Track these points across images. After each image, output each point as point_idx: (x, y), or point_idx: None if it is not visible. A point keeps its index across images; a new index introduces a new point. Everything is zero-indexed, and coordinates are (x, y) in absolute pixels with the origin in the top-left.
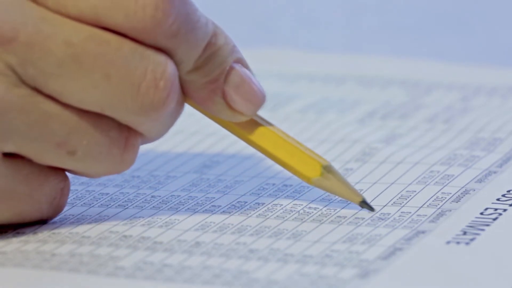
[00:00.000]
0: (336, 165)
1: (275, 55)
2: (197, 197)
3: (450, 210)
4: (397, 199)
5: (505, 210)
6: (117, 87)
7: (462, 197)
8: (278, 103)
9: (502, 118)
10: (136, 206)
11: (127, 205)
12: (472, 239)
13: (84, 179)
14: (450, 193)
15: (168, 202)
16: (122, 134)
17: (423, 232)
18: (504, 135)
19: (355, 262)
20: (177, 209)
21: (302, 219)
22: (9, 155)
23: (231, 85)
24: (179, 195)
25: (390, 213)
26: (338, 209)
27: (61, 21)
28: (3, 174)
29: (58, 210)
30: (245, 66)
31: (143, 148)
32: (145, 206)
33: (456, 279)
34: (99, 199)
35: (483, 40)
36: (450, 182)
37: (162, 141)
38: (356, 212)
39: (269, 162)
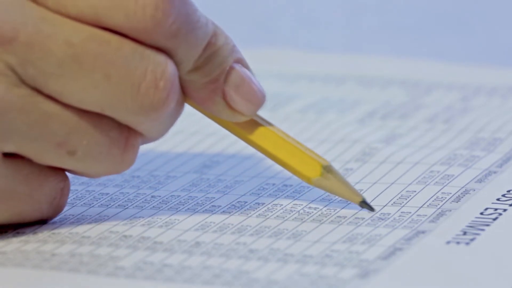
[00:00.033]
0: (336, 165)
1: (275, 55)
2: (197, 197)
3: (450, 210)
4: (397, 199)
5: (505, 210)
6: (117, 87)
7: (462, 197)
8: (278, 103)
9: (502, 118)
10: (136, 206)
11: (127, 205)
12: (472, 239)
13: (84, 179)
14: (450, 193)
15: (168, 202)
16: (122, 134)
17: (423, 232)
18: (504, 135)
19: (355, 262)
20: (177, 209)
21: (302, 219)
22: (9, 155)
23: (231, 85)
24: (179, 195)
25: (390, 213)
26: (338, 209)
27: (61, 21)
28: (3, 174)
29: (58, 210)
30: (245, 66)
31: (143, 148)
32: (145, 206)
33: (456, 279)
34: (99, 199)
35: (483, 40)
36: (450, 182)
37: (162, 141)
38: (356, 212)
39: (269, 162)
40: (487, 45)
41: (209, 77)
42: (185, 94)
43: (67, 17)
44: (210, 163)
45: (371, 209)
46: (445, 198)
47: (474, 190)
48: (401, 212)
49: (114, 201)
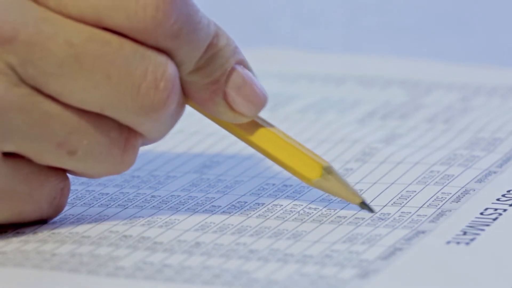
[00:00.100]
0: (336, 165)
1: (275, 55)
2: (197, 197)
3: (450, 210)
4: (397, 199)
5: (505, 210)
6: (117, 87)
7: (462, 197)
8: (278, 103)
9: (502, 118)
10: (136, 206)
11: (127, 205)
12: (472, 239)
13: (84, 179)
14: (450, 193)
15: (168, 202)
16: (122, 135)
17: (423, 232)
18: (504, 135)
19: (355, 262)
20: (177, 209)
21: (302, 220)
22: (9, 155)
23: (232, 86)
24: (179, 195)
25: (390, 213)
26: (338, 209)
27: (62, 21)
28: (3, 174)
29: (58, 210)
30: (247, 67)
31: (143, 148)
32: (145, 206)
33: (456, 279)
34: (99, 199)
35: (483, 40)
36: (450, 182)
37: (162, 141)
38: (356, 212)
39: (269, 162)
40: (487, 45)
41: (210, 78)
42: (186, 95)
43: (67, 17)
44: (210, 163)
45: (370, 210)
46: (445, 198)
47: (474, 190)
48: (401, 212)
49: (114, 201)
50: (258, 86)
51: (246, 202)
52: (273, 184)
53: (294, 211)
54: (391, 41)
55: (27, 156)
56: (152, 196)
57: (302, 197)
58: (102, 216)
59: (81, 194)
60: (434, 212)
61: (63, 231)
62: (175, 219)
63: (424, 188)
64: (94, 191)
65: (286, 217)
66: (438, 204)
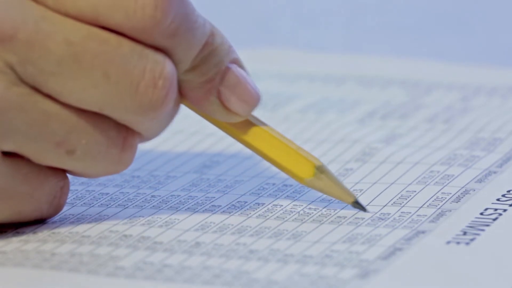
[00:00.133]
0: (336, 165)
1: (275, 55)
2: (197, 197)
3: (450, 210)
4: (397, 199)
5: (505, 210)
6: (116, 86)
7: (462, 197)
8: (278, 103)
9: (502, 118)
10: (136, 205)
11: (127, 204)
12: (472, 239)
13: (84, 179)
14: (450, 193)
15: (168, 201)
16: (121, 134)
17: (423, 232)
18: (504, 135)
19: (355, 262)
20: (177, 208)
21: (302, 220)
22: (8, 154)
23: (226, 85)
24: (179, 195)
25: (390, 213)
26: (338, 210)
27: (61, 20)
28: (2, 173)
29: (58, 209)
30: (241, 66)
31: (143, 148)
32: (145, 205)
33: (456, 279)
34: (99, 199)
35: (483, 40)
36: (450, 182)
37: (162, 141)
38: (356, 212)
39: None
40: (487, 45)
41: (205, 77)
42: (180, 94)
43: (66, 16)
44: (210, 163)
45: (363, 209)
46: (445, 198)
47: (474, 190)
48: (401, 212)
49: (114, 201)
50: (252, 85)
51: (246, 202)
52: (273, 184)
53: (294, 211)
54: (391, 41)
55: (26, 156)
56: (152, 196)
57: (302, 197)
58: (102, 216)
59: (81, 194)
60: (434, 212)
61: (63, 230)
62: (175, 219)
63: (424, 188)
64: (94, 191)
65: (286, 217)
66: (438, 204)
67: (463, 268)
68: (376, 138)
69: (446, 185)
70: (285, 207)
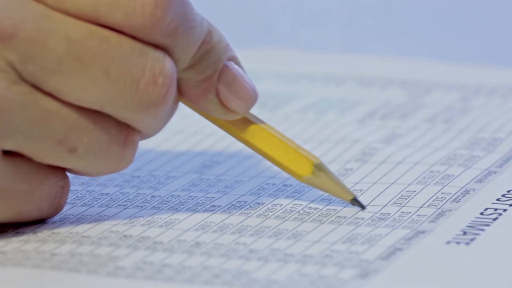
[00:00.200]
0: (336, 165)
1: (275, 55)
2: (197, 197)
3: (450, 210)
4: (397, 199)
5: (505, 210)
6: (116, 84)
7: (462, 197)
8: (278, 103)
9: (502, 118)
10: (136, 206)
11: (127, 205)
12: (472, 239)
13: (84, 179)
14: (450, 193)
15: (168, 202)
16: (122, 132)
17: (423, 232)
18: (504, 135)
19: (355, 262)
20: (177, 208)
21: (302, 219)
22: (8, 153)
23: (224, 83)
24: (179, 195)
25: (390, 213)
26: (338, 209)
27: (61, 18)
28: (3, 173)
29: (58, 209)
30: (238, 64)
31: (143, 148)
32: (145, 206)
33: (456, 279)
34: (99, 199)
35: (483, 40)
36: (450, 182)
37: (162, 141)
38: (356, 212)
39: (269, 161)
40: (487, 45)
41: (203, 75)
42: (179, 93)
43: (66, 14)
44: (210, 163)
45: (362, 206)
46: (445, 198)
47: (474, 190)
48: (401, 212)
49: (114, 201)
50: (249, 82)
51: (246, 202)
52: (273, 184)
53: (294, 210)
54: (391, 41)
55: (27, 155)
56: (152, 196)
57: (302, 196)
58: (102, 216)
59: (81, 194)
60: (434, 212)
61: (63, 231)
62: (175, 219)
63: (424, 188)
64: (94, 191)
65: (286, 216)
66: (438, 204)
67: (463, 268)
68: (376, 138)
69: (446, 185)
70: (285, 206)
